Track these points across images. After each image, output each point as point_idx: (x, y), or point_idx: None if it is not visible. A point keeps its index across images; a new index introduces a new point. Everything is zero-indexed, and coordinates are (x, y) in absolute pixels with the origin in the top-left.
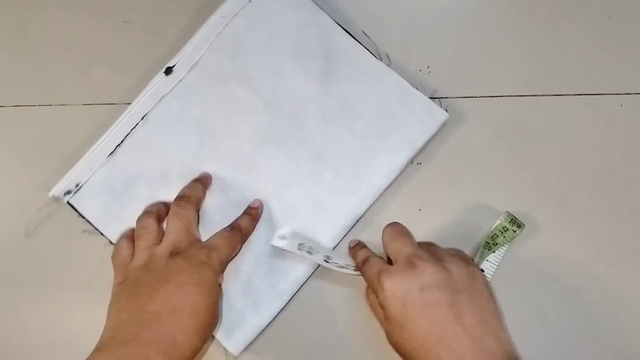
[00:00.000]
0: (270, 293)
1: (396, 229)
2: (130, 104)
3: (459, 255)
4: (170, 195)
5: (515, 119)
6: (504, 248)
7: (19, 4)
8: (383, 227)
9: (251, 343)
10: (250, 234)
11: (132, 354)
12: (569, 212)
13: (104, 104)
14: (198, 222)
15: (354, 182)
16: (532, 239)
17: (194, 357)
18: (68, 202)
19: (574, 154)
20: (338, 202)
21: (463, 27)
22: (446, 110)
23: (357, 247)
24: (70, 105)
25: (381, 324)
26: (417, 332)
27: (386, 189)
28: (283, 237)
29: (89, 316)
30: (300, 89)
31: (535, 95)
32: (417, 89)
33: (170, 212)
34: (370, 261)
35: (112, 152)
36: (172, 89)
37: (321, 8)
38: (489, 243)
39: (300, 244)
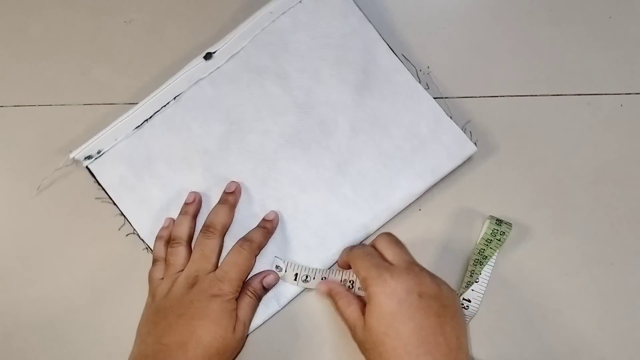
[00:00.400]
0: (271, 293)
1: (394, 237)
2: (131, 103)
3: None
4: (186, 180)
5: (515, 119)
6: (494, 259)
7: (19, 4)
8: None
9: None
10: (264, 247)
11: None
12: (568, 212)
13: (104, 104)
14: (221, 248)
15: (371, 200)
16: (532, 239)
17: None
18: (87, 167)
19: (574, 154)
20: (351, 215)
21: (463, 27)
22: (476, 144)
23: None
24: (70, 105)
25: (350, 320)
26: (404, 332)
27: (400, 211)
28: (280, 269)
29: (85, 275)
30: (334, 97)
31: (535, 95)
32: (451, 117)
33: (197, 240)
34: (366, 249)
35: (139, 126)
36: (209, 74)
37: (369, 21)
38: (478, 259)
39: (296, 274)
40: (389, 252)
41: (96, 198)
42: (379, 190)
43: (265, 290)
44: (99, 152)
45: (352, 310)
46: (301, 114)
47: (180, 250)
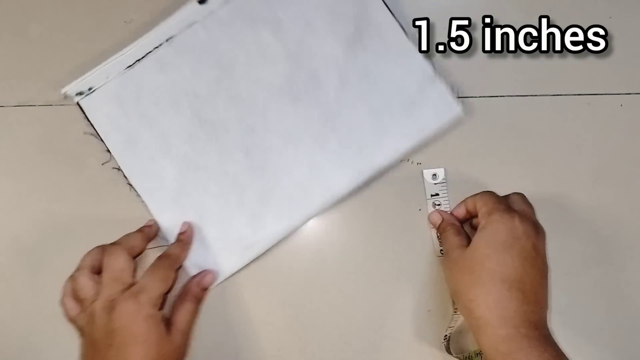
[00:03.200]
0: (247, 240)
1: (526, 198)
2: None
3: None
4: (173, 122)
5: (515, 119)
6: None
7: (19, 4)
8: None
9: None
10: (183, 260)
11: None
12: (569, 212)
13: None
14: (135, 268)
15: (357, 155)
16: None
17: None
18: (77, 103)
19: (574, 154)
20: (336, 170)
21: None
22: (461, 105)
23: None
24: (70, 105)
25: (453, 242)
26: (507, 262)
27: (384, 170)
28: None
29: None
30: (326, 49)
31: (535, 95)
32: (439, 77)
33: (103, 262)
34: (490, 193)
35: (130, 65)
36: (202, 18)
37: None
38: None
39: None
40: (519, 205)
41: (85, 133)
42: (366, 146)
43: (205, 291)
44: (90, 89)
45: (461, 238)
46: (292, 64)
47: (85, 281)
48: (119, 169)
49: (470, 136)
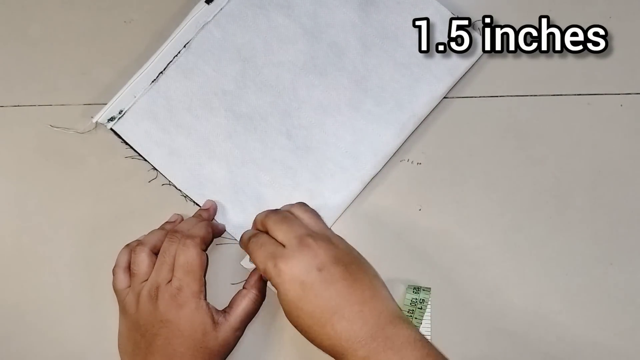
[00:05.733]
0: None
1: (281, 214)
2: None
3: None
4: (210, 123)
5: (515, 119)
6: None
7: (19, 3)
8: (261, 213)
9: None
10: (211, 239)
11: None
12: (569, 212)
13: (104, 104)
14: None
15: (395, 110)
16: (532, 239)
17: None
18: (111, 129)
19: (574, 154)
20: (379, 129)
21: None
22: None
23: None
24: (70, 105)
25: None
26: (314, 310)
27: (425, 118)
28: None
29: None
30: (341, 18)
31: (535, 95)
32: (457, 16)
33: (162, 247)
34: (259, 239)
35: (154, 80)
36: (213, 17)
37: None
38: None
39: None
40: (278, 234)
41: (126, 157)
42: (402, 99)
43: (266, 284)
44: (120, 112)
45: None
46: (311, 40)
47: (142, 258)
48: (169, 184)
49: (470, 136)
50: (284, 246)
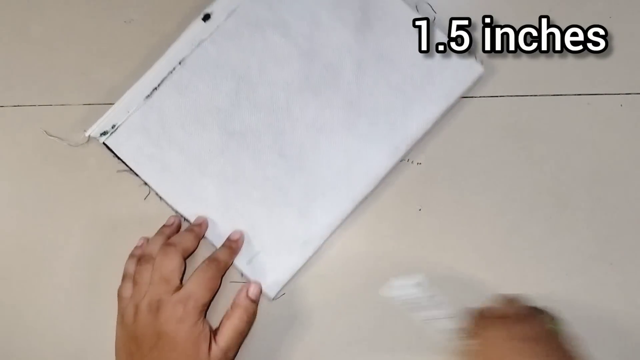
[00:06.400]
0: (302, 237)
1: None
2: None
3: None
4: (203, 140)
5: (515, 119)
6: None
7: (19, 4)
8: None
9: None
10: (229, 266)
11: None
12: (569, 212)
13: (104, 104)
14: (184, 270)
15: (389, 131)
16: (532, 239)
17: None
18: (104, 143)
19: (574, 154)
20: (372, 150)
21: None
22: (482, 63)
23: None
24: (70, 105)
25: None
26: None
27: (419, 139)
28: (418, 284)
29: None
30: (336, 39)
31: (535, 95)
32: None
33: (155, 260)
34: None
35: (148, 95)
36: (209, 35)
37: None
38: None
39: (431, 296)
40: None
41: (118, 171)
42: (395, 120)
43: (254, 303)
44: (113, 126)
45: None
46: (306, 61)
47: (148, 269)
48: (161, 199)
49: (470, 136)
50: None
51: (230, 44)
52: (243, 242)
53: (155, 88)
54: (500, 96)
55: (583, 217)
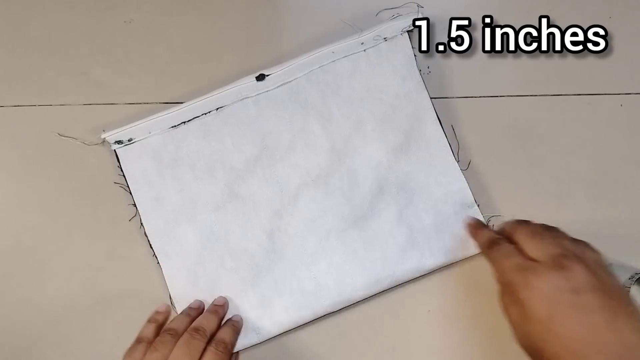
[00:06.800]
0: (251, 324)
1: (535, 228)
2: (131, 104)
3: (598, 257)
4: (205, 190)
5: (515, 119)
6: None
7: (19, 4)
8: (510, 221)
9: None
10: (236, 343)
11: None
12: (569, 213)
13: (104, 104)
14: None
15: (378, 263)
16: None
17: None
18: (115, 151)
19: (574, 154)
20: (354, 272)
21: None
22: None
23: (477, 225)
24: (70, 105)
25: (512, 323)
26: (564, 334)
27: (402, 284)
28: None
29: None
30: (371, 152)
31: (535, 95)
32: (479, 205)
33: (182, 338)
34: (504, 249)
35: (175, 126)
36: (256, 94)
37: (426, 88)
38: None
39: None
40: (530, 247)
41: (115, 182)
42: (389, 256)
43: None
44: (130, 139)
45: (510, 312)
46: (334, 159)
47: (171, 342)
48: (141, 225)
49: (470, 136)
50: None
51: (270, 112)
52: (227, 308)
53: (184, 122)
54: (500, 96)
55: (583, 217)
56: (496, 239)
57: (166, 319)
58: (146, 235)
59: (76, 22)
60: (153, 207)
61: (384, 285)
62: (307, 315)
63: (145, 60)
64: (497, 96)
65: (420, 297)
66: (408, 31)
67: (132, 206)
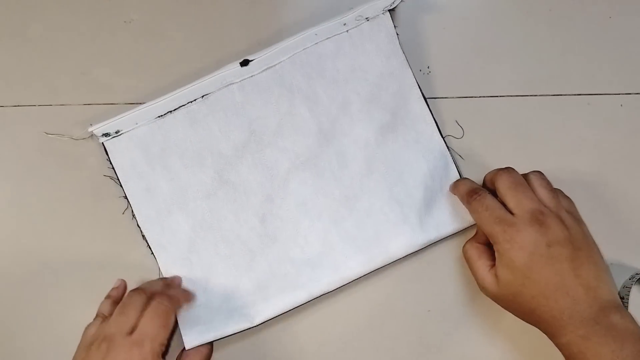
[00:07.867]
0: (246, 309)
1: (515, 179)
2: (131, 104)
3: (573, 212)
4: (194, 178)
5: (515, 119)
6: None
7: (19, 4)
8: (493, 170)
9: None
10: (184, 302)
11: None
12: None
13: (104, 104)
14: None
15: (371, 240)
16: None
17: None
18: (102, 144)
19: (574, 154)
20: (348, 251)
21: (463, 27)
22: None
23: (457, 180)
24: (70, 105)
25: (478, 274)
26: (539, 280)
27: (397, 260)
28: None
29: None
30: (358, 132)
31: (535, 95)
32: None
33: (122, 301)
34: (484, 200)
35: (161, 115)
36: (240, 80)
37: (410, 66)
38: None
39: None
40: (509, 199)
41: (104, 175)
42: (381, 233)
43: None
44: (117, 131)
45: (481, 264)
46: (322, 141)
47: (106, 303)
48: (133, 217)
49: (471, 136)
50: (512, 214)
51: (256, 97)
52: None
53: (171, 111)
54: (500, 96)
55: (583, 217)
56: (476, 189)
57: (122, 293)
58: (139, 226)
59: (76, 22)
60: (144, 197)
61: (378, 262)
62: (302, 296)
63: (145, 60)
64: (497, 96)
65: (420, 297)
66: (389, 10)
67: (123, 199)
